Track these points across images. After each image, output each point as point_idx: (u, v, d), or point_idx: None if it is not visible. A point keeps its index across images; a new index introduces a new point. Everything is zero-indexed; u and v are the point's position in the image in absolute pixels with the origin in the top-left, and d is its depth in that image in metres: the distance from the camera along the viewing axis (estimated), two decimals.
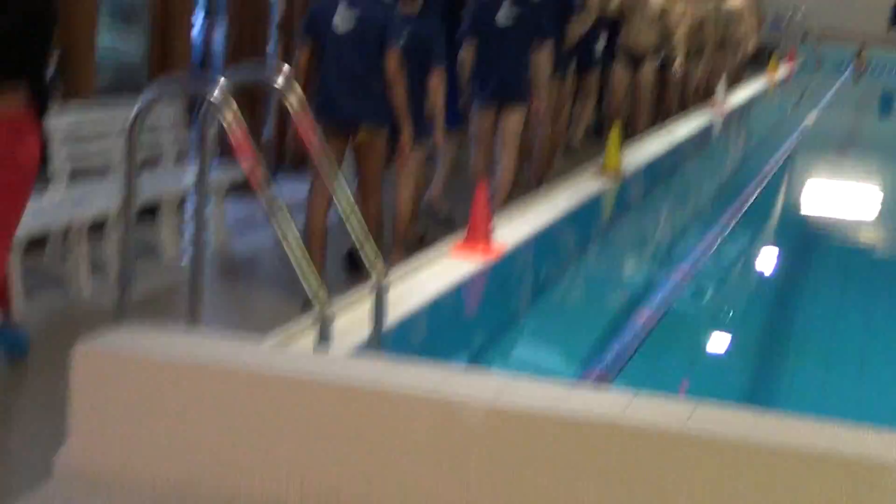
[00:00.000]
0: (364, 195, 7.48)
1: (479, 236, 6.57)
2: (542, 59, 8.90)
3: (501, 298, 6.41)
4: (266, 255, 8.29)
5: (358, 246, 4.55)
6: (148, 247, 7.96)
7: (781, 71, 20.37)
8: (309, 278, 4.00)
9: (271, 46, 10.25)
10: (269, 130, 10.61)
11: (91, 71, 7.64)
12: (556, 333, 5.80)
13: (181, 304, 6.77)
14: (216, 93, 4.01)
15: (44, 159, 5.79)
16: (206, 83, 4.08)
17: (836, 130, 14.80)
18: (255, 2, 9.67)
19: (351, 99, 7.21)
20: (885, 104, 20.14)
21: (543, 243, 7.18)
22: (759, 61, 20.36)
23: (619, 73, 12.80)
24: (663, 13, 12.76)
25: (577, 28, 10.40)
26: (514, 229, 7.15)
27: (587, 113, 13.30)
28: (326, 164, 4.47)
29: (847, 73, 22.26)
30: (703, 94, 15.29)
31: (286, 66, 4.75)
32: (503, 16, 8.70)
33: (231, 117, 4.01)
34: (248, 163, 4.01)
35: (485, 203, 6.58)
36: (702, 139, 12.04)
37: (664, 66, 13.38)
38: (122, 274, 3.98)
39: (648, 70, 12.89)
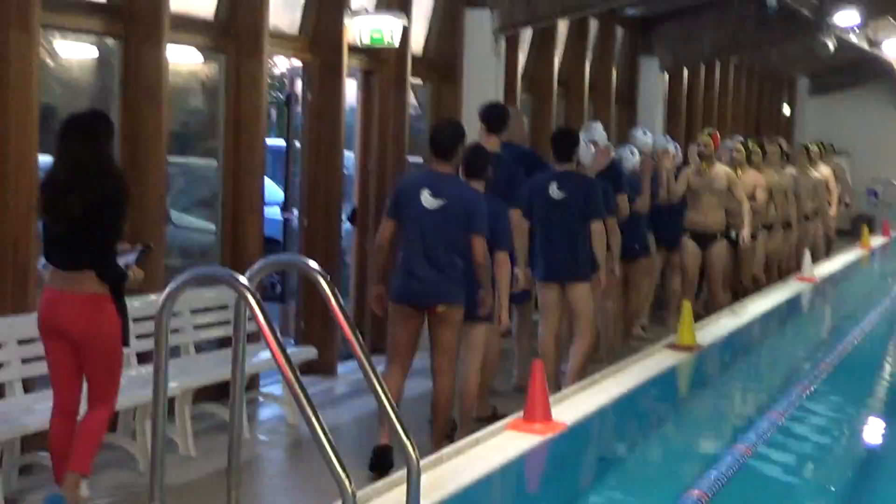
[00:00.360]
0: (437, 368, 7.74)
1: (537, 413, 6.60)
2: (598, 232, 9.15)
3: (555, 478, 6.39)
4: (341, 432, 8.35)
5: (390, 426, 4.62)
6: (223, 423, 8.12)
7: (877, 240, 20.19)
8: (335, 468, 4.07)
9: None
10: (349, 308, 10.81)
11: (160, 262, 7.94)
12: None
13: (249, 480, 6.99)
14: (243, 284, 4.18)
15: (124, 337, 6.16)
16: (233, 275, 4.25)
17: None
18: (327, 193, 10.03)
19: (432, 277, 7.54)
20: None
21: (605, 420, 7.17)
22: (856, 232, 20.33)
23: (690, 249, 12.71)
24: (731, 186, 12.63)
25: (624, 206, 10.60)
26: (577, 405, 7.17)
27: (676, 288, 13.23)
28: (359, 347, 4.55)
29: None
30: (794, 266, 15.21)
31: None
32: (554, 191, 9.00)
33: (256, 307, 4.17)
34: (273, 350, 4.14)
35: (541, 379, 6.62)
36: (785, 312, 11.93)
37: (735, 241, 13.03)
38: (153, 461, 4.09)
39: (718, 247, 12.63)
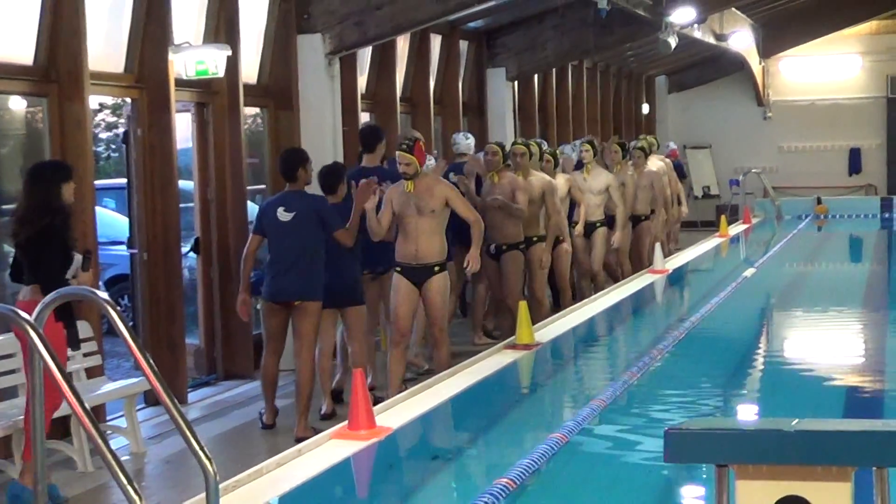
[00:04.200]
0: (297, 352, 9.18)
1: (361, 421, 6.83)
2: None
3: (378, 480, 6.63)
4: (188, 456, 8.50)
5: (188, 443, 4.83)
6: (63, 457, 8.30)
7: (736, 228, 20.75)
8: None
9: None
10: (197, 337, 11.01)
11: None
12: None
13: None
14: (25, 319, 4.38)
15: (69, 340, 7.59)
16: (14, 311, 4.45)
17: (777, 280, 15.09)
18: (165, 226, 10.35)
19: (290, 278, 9.03)
20: (837, 251, 20.46)
21: (433, 421, 7.42)
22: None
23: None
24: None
25: None
26: (405, 411, 7.41)
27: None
28: (152, 373, 4.77)
29: (804, 224, 22.66)
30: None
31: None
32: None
33: (38, 341, 4.37)
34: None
35: (363, 388, 6.87)
36: (629, 304, 12.27)
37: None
38: None
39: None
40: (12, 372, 8.15)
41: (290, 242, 9.05)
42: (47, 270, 7.46)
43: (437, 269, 9.60)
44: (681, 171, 21.53)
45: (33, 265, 7.50)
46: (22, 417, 7.61)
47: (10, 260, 7.91)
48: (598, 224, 14.22)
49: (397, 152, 9.49)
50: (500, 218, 11.62)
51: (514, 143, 12.65)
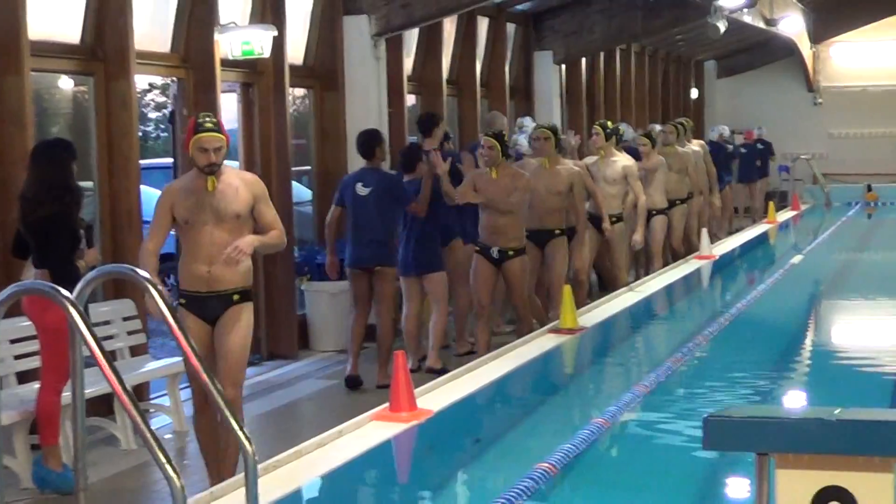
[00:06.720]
0: (378, 313, 10.14)
1: (402, 403, 6.81)
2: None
3: (419, 462, 6.62)
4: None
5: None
6: (106, 435, 8.35)
7: (785, 215, 20.61)
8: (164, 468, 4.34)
9: None
10: None
11: None
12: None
13: (134, 487, 7.25)
14: (66, 297, 4.38)
15: None
16: (55, 288, 4.44)
17: (825, 267, 14.93)
18: None
19: (369, 246, 9.93)
20: (887, 239, 20.19)
21: (474, 404, 7.40)
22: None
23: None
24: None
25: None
26: (447, 393, 7.39)
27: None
28: (191, 350, 4.76)
29: (854, 211, 22.43)
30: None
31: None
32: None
33: (79, 319, 4.37)
34: None
35: (404, 369, 6.84)
36: (675, 290, 12.19)
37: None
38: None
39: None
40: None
41: (367, 214, 9.91)
42: (58, 254, 7.28)
43: (237, 297, 6.87)
44: (770, 148, 24.15)
45: (42, 248, 7.29)
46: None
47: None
48: (613, 219, 12.39)
49: (203, 135, 6.68)
50: (500, 220, 10.01)
51: (536, 127, 11.35)
